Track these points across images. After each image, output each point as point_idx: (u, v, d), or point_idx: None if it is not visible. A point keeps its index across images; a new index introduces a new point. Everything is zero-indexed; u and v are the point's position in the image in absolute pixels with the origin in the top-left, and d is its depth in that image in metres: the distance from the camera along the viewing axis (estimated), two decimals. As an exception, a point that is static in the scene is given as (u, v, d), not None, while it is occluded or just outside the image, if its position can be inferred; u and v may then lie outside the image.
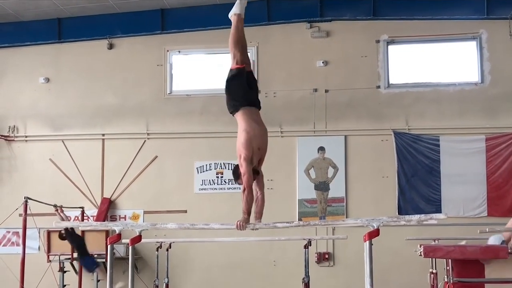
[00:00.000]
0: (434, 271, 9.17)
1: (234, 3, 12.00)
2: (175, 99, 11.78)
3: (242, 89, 5.56)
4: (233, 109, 5.59)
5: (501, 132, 10.78)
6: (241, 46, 5.68)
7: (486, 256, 7.32)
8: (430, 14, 11.18)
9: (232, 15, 5.81)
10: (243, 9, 5.80)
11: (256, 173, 5.50)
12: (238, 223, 5.33)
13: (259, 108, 5.73)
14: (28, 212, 9.54)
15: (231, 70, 5.68)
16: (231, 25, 5.75)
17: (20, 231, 9.90)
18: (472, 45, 11.26)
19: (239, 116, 5.52)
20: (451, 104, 11.07)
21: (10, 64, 12.21)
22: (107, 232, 9.96)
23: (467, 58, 11.29)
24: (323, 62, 11.38)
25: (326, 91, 11.33)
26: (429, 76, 11.33)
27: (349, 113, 11.24)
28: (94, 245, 10.18)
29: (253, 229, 5.48)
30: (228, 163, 11.30)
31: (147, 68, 11.87)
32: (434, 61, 11.39)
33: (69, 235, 9.88)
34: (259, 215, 5.63)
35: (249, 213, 5.39)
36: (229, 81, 5.64)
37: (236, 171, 5.54)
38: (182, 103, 11.72)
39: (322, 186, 11.11)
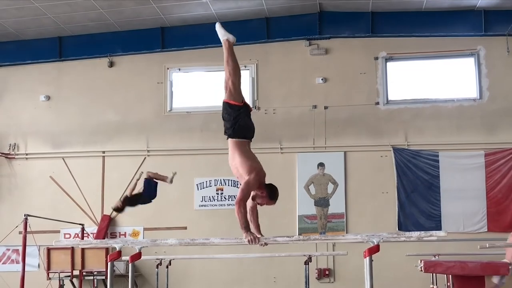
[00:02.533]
0: (434, 287, 9.16)
1: (232, 21, 12.09)
2: (175, 116, 11.83)
3: (251, 127, 5.68)
4: (235, 136, 5.55)
5: (500, 147, 10.81)
6: (240, 73, 5.71)
7: (487, 272, 7.33)
8: (428, 31, 11.28)
9: (225, 39, 5.79)
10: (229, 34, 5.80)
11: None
12: (249, 238, 5.13)
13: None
14: (28, 229, 9.55)
15: (237, 106, 5.61)
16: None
17: (20, 249, 9.91)
18: (470, 62, 11.33)
19: (237, 144, 5.50)
20: (450, 120, 11.11)
21: (11, 82, 12.28)
22: (107, 249, 9.94)
23: (465, 74, 11.36)
24: (322, 79, 11.45)
25: (326, 107, 11.39)
26: (428, 92, 11.39)
27: (348, 129, 11.29)
28: (94, 262, 10.15)
29: (262, 245, 5.37)
30: (228, 180, 11.33)
31: (147, 86, 11.94)
32: (432, 78, 11.46)
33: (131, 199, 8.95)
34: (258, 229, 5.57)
35: (247, 227, 5.24)
36: (237, 118, 5.57)
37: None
38: (182, 120, 11.76)
39: (322, 202, 11.11)
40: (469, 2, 10.84)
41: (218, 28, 5.88)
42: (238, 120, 5.60)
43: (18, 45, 12.20)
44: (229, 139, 5.59)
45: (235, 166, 5.48)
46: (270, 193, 5.41)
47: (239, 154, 5.47)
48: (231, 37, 5.79)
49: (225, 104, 5.68)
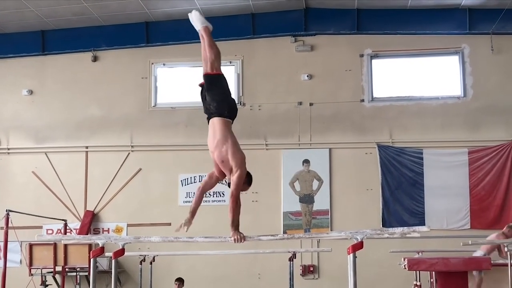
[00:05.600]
0: (418, 283, 9.22)
1: (221, 16, 12.09)
2: (160, 112, 11.76)
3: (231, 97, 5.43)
4: (229, 114, 5.31)
5: (484, 145, 10.89)
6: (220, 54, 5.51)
7: (469, 268, 7.38)
8: (413, 28, 11.32)
9: (202, 27, 5.57)
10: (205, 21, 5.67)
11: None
12: (236, 237, 5.06)
13: (211, 116, 5.42)
14: (10, 225, 9.43)
15: (220, 75, 5.39)
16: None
17: (1, 244, 9.79)
18: (454, 60, 11.40)
19: (227, 124, 5.29)
20: (434, 117, 11.17)
21: (-7, 76, 12.13)
22: (90, 245, 9.87)
23: (449, 72, 11.42)
24: (307, 76, 11.45)
25: (311, 104, 11.39)
26: (413, 90, 11.44)
27: (333, 126, 11.30)
28: (77, 259, 10.07)
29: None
30: (213, 176, 11.27)
31: (131, 81, 11.85)
32: (417, 75, 11.50)
33: None
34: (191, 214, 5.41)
35: (237, 225, 5.15)
36: (229, 93, 5.42)
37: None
38: (167, 116, 11.70)
39: (306, 199, 11.12)
40: (454, 0, 10.90)
41: (197, 16, 5.57)
42: (229, 95, 5.38)
43: (0, 39, 12.03)
44: (219, 118, 5.26)
45: (225, 151, 5.14)
46: (249, 180, 5.32)
47: (232, 141, 5.19)
48: (210, 26, 5.61)
49: (213, 77, 5.34)
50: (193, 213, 5.30)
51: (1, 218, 9.61)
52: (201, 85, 5.53)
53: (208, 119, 5.42)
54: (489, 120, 11.01)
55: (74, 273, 10.42)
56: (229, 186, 5.25)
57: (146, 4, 10.92)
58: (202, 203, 11.30)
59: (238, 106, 11.36)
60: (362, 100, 11.34)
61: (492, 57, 11.12)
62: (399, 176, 10.96)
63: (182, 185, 11.41)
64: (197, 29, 5.65)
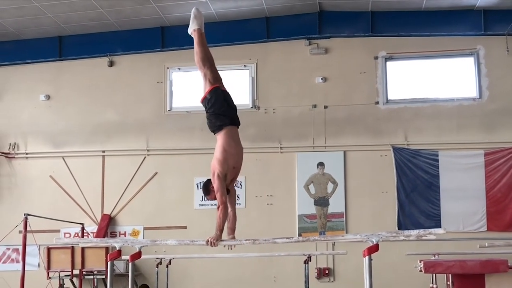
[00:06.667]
0: (434, 286, 9.18)
1: (235, 21, 12.15)
2: (175, 116, 11.84)
3: (223, 109, 5.52)
4: (216, 129, 5.53)
5: (500, 147, 10.82)
6: (209, 63, 5.64)
7: (486, 270, 7.34)
8: (428, 30, 11.29)
9: (191, 31, 5.74)
10: (202, 23, 5.77)
11: (227, 192, 5.51)
12: (210, 239, 5.29)
13: (238, 125, 5.69)
14: (28, 229, 9.56)
15: (209, 92, 5.57)
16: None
17: (20, 248, 9.92)
18: (470, 61, 11.34)
19: (221, 135, 5.47)
20: (449, 119, 11.12)
21: (11, 81, 12.28)
22: (107, 248, 9.96)
23: (465, 74, 11.36)
24: (322, 79, 11.46)
25: (325, 107, 11.39)
26: (428, 91, 11.39)
27: (348, 128, 11.29)
28: (94, 262, 10.17)
29: (225, 246, 5.41)
30: (228, 179, 11.31)
31: (147, 85, 11.94)
32: (432, 77, 11.46)
33: None
34: (232, 231, 5.56)
35: (221, 230, 5.32)
36: (209, 103, 5.54)
37: (207, 186, 5.57)
38: (182, 120, 11.77)
39: (321, 202, 11.12)
40: (469, 1, 10.85)
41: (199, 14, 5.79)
42: (212, 102, 5.71)
43: (18, 45, 12.19)
44: (216, 134, 5.61)
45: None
46: None
47: (216, 148, 5.66)
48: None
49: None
50: (222, 230, 5.39)
51: (19, 222, 9.75)
52: (224, 91, 5.70)
53: (234, 125, 5.60)
54: (505, 121, 10.94)
55: (92, 276, 10.52)
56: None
57: (161, 9, 11.01)
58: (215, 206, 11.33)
59: (253, 109, 11.55)
60: (377, 102, 11.32)
61: (507, 58, 11.05)
62: (415, 178, 10.92)
63: (198, 188, 11.46)
64: (199, 28, 5.83)
